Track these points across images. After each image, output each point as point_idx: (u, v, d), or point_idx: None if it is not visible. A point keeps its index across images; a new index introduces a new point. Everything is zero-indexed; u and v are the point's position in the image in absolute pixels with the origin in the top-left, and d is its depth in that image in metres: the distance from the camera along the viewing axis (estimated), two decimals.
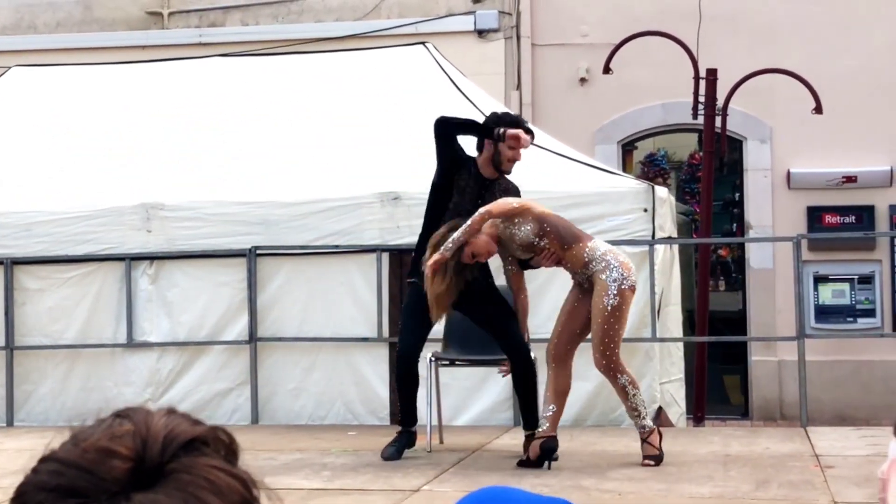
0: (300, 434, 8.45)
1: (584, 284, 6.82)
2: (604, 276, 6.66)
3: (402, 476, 6.62)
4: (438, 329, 7.92)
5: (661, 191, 9.61)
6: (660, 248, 9.02)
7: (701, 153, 12.54)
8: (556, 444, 6.80)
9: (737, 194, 13.79)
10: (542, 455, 6.77)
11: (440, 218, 7.03)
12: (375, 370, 9.02)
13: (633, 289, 6.77)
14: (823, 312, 13.08)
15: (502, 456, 7.28)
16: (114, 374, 9.37)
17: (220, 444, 1.03)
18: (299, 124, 10.01)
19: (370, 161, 9.44)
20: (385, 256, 8.99)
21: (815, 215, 13.20)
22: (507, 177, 7.21)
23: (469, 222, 6.69)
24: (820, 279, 13.11)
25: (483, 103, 10.07)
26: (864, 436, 7.98)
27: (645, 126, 13.75)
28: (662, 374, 9.00)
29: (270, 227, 9.22)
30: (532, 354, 7.64)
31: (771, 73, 11.85)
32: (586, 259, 6.72)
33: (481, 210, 6.71)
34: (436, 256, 6.66)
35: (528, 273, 8.81)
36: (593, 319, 6.71)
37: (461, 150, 7.10)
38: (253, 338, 9.17)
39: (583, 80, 13.61)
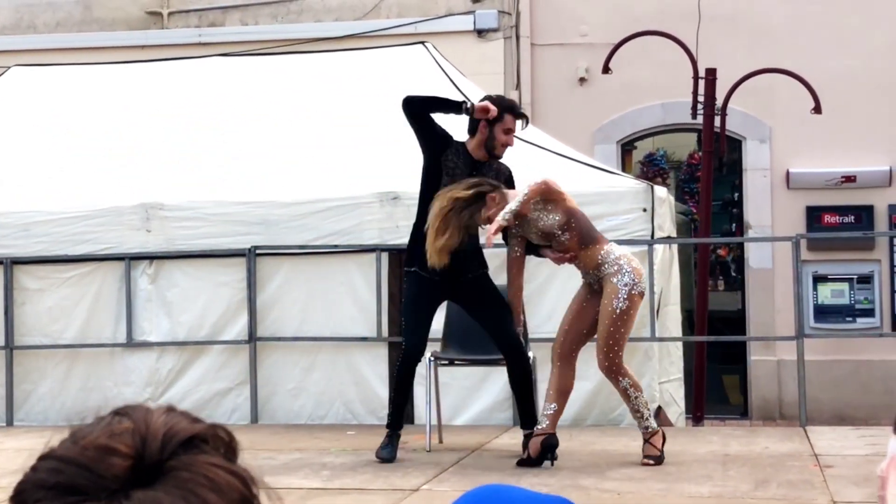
0: (299, 434, 8.45)
1: (594, 285, 6.83)
2: (615, 280, 6.68)
3: (402, 475, 6.62)
4: (438, 329, 7.93)
5: (661, 190, 9.62)
6: (659, 248, 9.02)
7: (700, 153, 12.55)
8: (557, 442, 6.82)
9: (736, 194, 13.79)
10: (542, 452, 6.78)
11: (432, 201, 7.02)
12: (375, 370, 9.02)
13: (641, 294, 6.81)
14: (822, 312, 13.08)
15: (502, 455, 7.28)
16: (113, 373, 9.37)
17: (220, 441, 1.03)
18: (299, 124, 10.01)
19: (369, 161, 9.44)
20: (384, 256, 8.99)
21: (814, 215, 13.20)
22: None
23: (527, 191, 6.65)
24: (819, 279, 13.11)
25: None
26: (864, 435, 7.98)
27: (644, 126, 13.75)
28: (661, 374, 9.01)
29: (270, 227, 9.22)
30: (531, 354, 7.65)
31: (770, 72, 11.86)
32: (600, 261, 6.74)
33: (539, 180, 6.69)
34: (497, 223, 6.55)
35: (528, 273, 8.82)
36: (601, 321, 6.72)
37: (440, 128, 7.06)
38: (252, 337, 9.17)
39: (582, 79, 13.62)
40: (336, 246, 9.12)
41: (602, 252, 6.75)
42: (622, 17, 13.09)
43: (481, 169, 7.07)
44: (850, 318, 13.13)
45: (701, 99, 11.52)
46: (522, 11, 13.77)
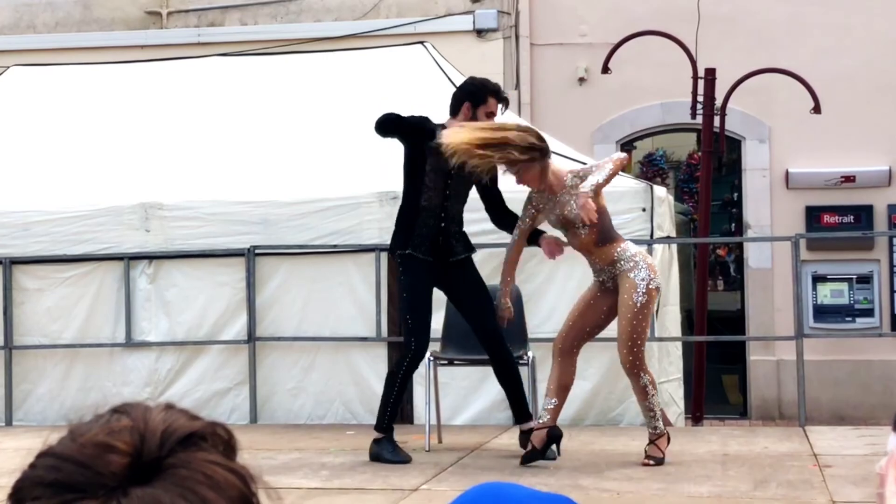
0: (299, 433, 8.45)
1: (608, 283, 6.82)
2: (632, 275, 6.71)
3: (401, 475, 6.62)
4: (437, 328, 7.93)
5: (660, 190, 9.62)
6: (658, 248, 9.02)
7: (699, 153, 12.55)
8: (561, 433, 6.85)
9: (735, 194, 13.79)
10: (548, 442, 6.79)
11: (421, 183, 7.00)
12: (374, 370, 9.01)
13: (657, 289, 6.88)
14: (822, 312, 13.08)
15: (501, 455, 7.28)
16: (112, 373, 9.37)
17: (219, 439, 1.03)
18: (298, 124, 10.00)
19: (369, 161, 9.43)
20: (384, 256, 8.98)
21: (813, 215, 13.20)
22: None
23: (612, 166, 6.63)
24: (818, 279, 13.11)
25: None
26: (863, 435, 7.98)
27: (643, 126, 13.75)
28: (661, 374, 9.00)
29: (269, 227, 9.22)
30: (531, 353, 7.65)
31: (769, 72, 11.86)
32: (615, 258, 6.75)
33: (623, 155, 6.71)
34: (585, 197, 6.48)
35: (527, 273, 8.82)
36: (621, 316, 6.73)
37: (421, 126, 7.02)
38: (252, 337, 9.17)
39: (581, 79, 13.61)
40: (335, 246, 9.12)
41: (618, 249, 6.77)
42: (621, 17, 13.09)
43: None
44: (849, 318, 13.13)
45: (700, 99, 11.52)
46: (522, 11, 13.77)
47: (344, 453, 7.45)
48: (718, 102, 11.58)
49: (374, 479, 6.59)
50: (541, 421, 6.87)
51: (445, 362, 7.84)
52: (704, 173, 11.57)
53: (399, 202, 8.90)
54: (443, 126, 7.09)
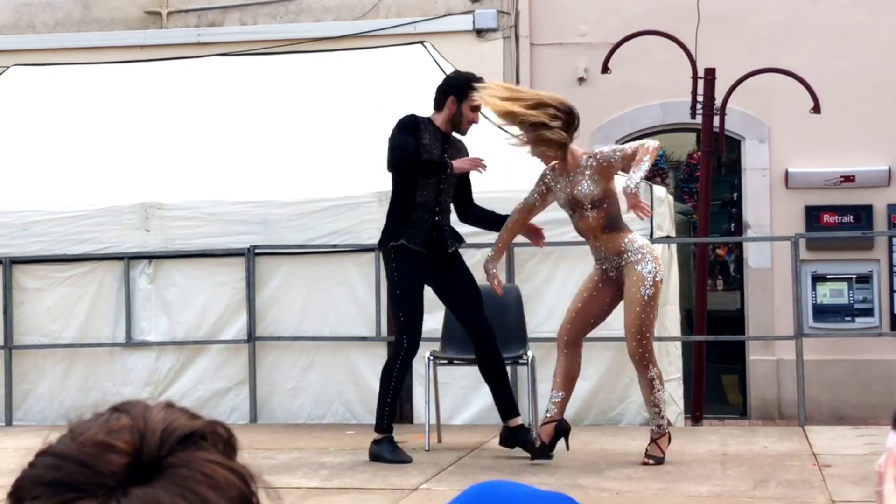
0: (298, 433, 8.45)
1: (611, 272, 6.83)
2: (639, 268, 6.72)
3: (401, 475, 6.62)
4: (437, 328, 7.93)
5: (660, 190, 9.62)
6: (658, 248, 9.00)
7: (699, 153, 12.55)
8: (569, 427, 6.86)
9: (735, 194, 13.79)
10: (556, 436, 6.80)
11: (416, 178, 7.01)
12: (374, 369, 8.99)
13: (661, 281, 6.90)
14: (821, 312, 13.08)
15: (501, 454, 7.28)
16: (112, 373, 9.37)
17: (219, 438, 1.03)
18: (298, 124, 10.00)
19: (368, 160, 9.42)
20: None
21: (813, 215, 13.20)
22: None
23: (649, 161, 6.68)
24: (818, 278, 13.11)
25: None
26: (862, 435, 7.98)
27: (643, 125, 13.74)
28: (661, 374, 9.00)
29: (269, 227, 9.22)
30: (530, 353, 7.65)
31: (769, 72, 11.86)
32: (623, 249, 6.76)
33: (653, 146, 6.73)
34: (633, 192, 6.57)
35: (526, 273, 8.82)
36: (629, 309, 6.73)
37: (414, 133, 7.04)
38: (251, 337, 9.17)
39: (581, 79, 13.61)
40: (335, 245, 9.12)
41: (626, 240, 6.78)
42: (621, 16, 13.09)
43: (450, 142, 7.14)
44: (848, 318, 13.13)
45: (700, 99, 11.53)
46: (521, 11, 13.77)
47: (343, 453, 7.45)
48: (718, 102, 11.58)
49: (373, 478, 6.59)
50: (548, 415, 6.87)
51: (445, 362, 7.84)
52: (704, 173, 11.57)
53: None
54: (430, 120, 7.11)
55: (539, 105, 6.70)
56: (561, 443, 6.91)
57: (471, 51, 13.33)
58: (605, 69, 11.77)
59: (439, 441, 7.71)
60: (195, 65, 11.15)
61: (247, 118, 10.16)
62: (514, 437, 7.15)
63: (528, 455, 6.94)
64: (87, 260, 9.43)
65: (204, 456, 0.99)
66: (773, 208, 13.36)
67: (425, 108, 7.33)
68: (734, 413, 13.31)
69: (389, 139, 7.12)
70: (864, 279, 13.16)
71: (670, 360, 9.48)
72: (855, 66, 13.07)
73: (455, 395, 8.76)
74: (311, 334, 9.13)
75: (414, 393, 8.72)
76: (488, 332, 7.14)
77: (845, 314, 13.13)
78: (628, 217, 6.97)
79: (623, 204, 6.83)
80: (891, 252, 13.19)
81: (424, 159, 7.05)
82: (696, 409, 10.89)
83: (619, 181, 6.91)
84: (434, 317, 8.04)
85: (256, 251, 9.17)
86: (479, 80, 7.27)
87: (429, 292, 8.24)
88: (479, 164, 7.02)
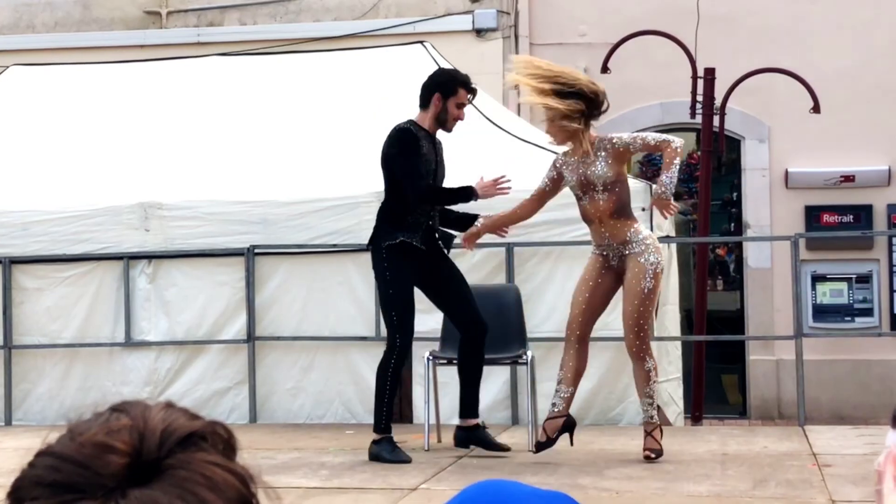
0: (298, 433, 8.45)
1: (612, 260, 6.84)
2: (642, 259, 6.74)
3: (400, 475, 6.62)
4: (437, 328, 7.93)
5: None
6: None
7: (699, 152, 12.55)
8: (576, 422, 6.89)
9: (735, 193, 13.79)
10: (562, 431, 6.81)
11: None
12: (373, 369, 8.95)
13: (662, 272, 6.94)
14: (821, 311, 13.08)
15: (500, 454, 7.27)
16: (112, 373, 9.37)
17: (219, 438, 1.02)
18: (297, 124, 10.00)
19: (368, 160, 9.42)
20: None
21: (812, 214, 13.20)
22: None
23: (677, 163, 6.78)
24: (818, 278, 13.11)
25: (481, 102, 10.06)
26: (862, 434, 7.98)
27: (643, 125, 13.71)
28: (660, 374, 8.98)
29: (268, 227, 9.22)
30: (529, 353, 7.65)
31: (769, 72, 11.86)
32: (628, 238, 6.78)
33: (677, 146, 6.77)
34: (663, 199, 6.75)
35: (526, 273, 8.82)
36: (628, 301, 6.74)
37: (416, 150, 7.06)
38: (251, 337, 9.17)
39: None
40: (335, 245, 9.12)
41: (632, 230, 6.80)
42: (621, 16, 13.09)
43: (437, 143, 7.17)
44: (848, 318, 13.13)
45: (700, 98, 11.52)
46: (521, 11, 13.77)
47: (343, 453, 7.45)
48: (718, 102, 11.58)
49: (373, 478, 6.58)
50: (555, 409, 6.87)
51: (444, 361, 7.83)
52: (704, 173, 11.57)
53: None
54: (417, 125, 7.09)
55: (562, 92, 6.73)
56: (563, 439, 6.91)
57: (470, 51, 13.33)
58: (604, 69, 11.77)
59: (439, 441, 7.71)
60: (194, 65, 11.15)
61: (246, 118, 10.16)
62: (469, 436, 7.19)
63: (529, 454, 6.94)
64: (87, 260, 9.43)
65: (203, 457, 0.99)
66: (773, 208, 13.35)
67: None
68: (734, 413, 13.31)
69: (392, 161, 7.03)
70: (864, 279, 13.16)
71: (670, 360, 9.48)
72: (855, 65, 13.07)
73: (455, 394, 8.71)
74: (311, 334, 9.13)
75: (413, 393, 8.72)
76: (483, 332, 7.15)
77: (845, 314, 13.13)
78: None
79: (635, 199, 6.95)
80: (891, 252, 13.19)
81: (449, 191, 7.08)
82: (696, 409, 10.89)
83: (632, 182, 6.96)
84: (434, 317, 8.03)
85: (256, 251, 9.17)
86: (465, 77, 7.29)
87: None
88: (501, 185, 7.01)
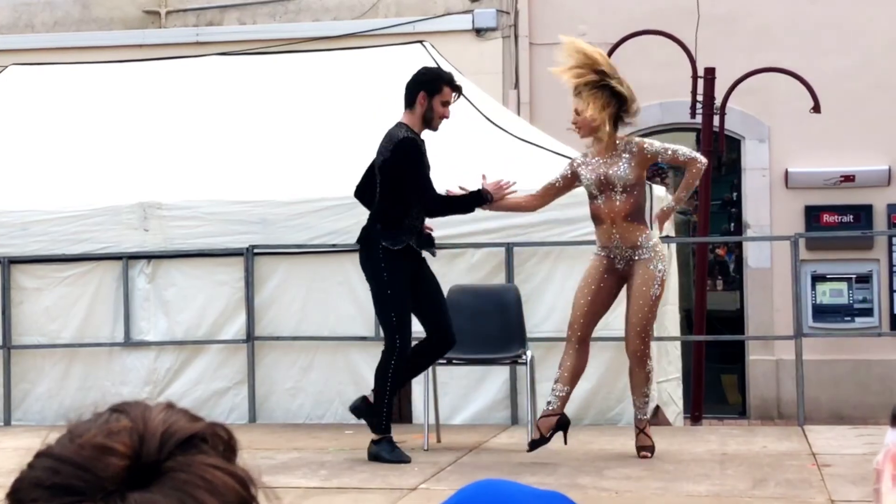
0: (298, 433, 8.44)
1: (619, 263, 6.85)
2: (651, 266, 6.79)
3: (400, 475, 6.62)
4: None
5: (659, 190, 9.62)
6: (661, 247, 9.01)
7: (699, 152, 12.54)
8: (570, 421, 6.91)
9: (735, 193, 13.79)
10: (556, 429, 6.82)
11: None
12: (373, 369, 8.99)
13: (665, 280, 7.02)
14: (821, 311, 13.08)
15: (500, 454, 7.28)
16: (111, 373, 9.37)
17: (219, 440, 1.02)
18: (297, 123, 10.00)
19: (368, 160, 9.42)
20: None
21: (812, 214, 13.20)
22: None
23: (697, 183, 6.95)
24: (818, 278, 13.11)
25: (481, 102, 10.07)
26: (862, 434, 7.98)
27: (643, 125, 13.67)
28: (660, 374, 9.00)
29: (268, 226, 9.21)
30: (529, 353, 7.64)
31: (769, 72, 11.86)
32: (639, 243, 6.82)
33: (701, 166, 6.91)
34: (666, 213, 6.94)
35: (526, 273, 8.82)
36: (636, 306, 6.78)
37: (423, 155, 7.07)
38: (250, 337, 9.16)
39: None
40: (334, 245, 9.11)
41: (643, 236, 6.84)
42: (621, 16, 13.09)
43: (423, 141, 7.16)
44: (848, 318, 13.13)
45: (700, 98, 11.53)
46: (521, 10, 13.77)
47: (343, 453, 7.45)
48: (718, 102, 11.58)
49: (372, 478, 6.58)
50: (550, 408, 6.88)
51: (444, 361, 7.83)
52: (704, 173, 11.56)
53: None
54: (407, 127, 7.08)
55: (599, 84, 6.76)
56: (557, 437, 6.92)
57: (470, 50, 13.33)
58: None
59: (438, 441, 7.71)
60: (194, 64, 11.14)
61: (245, 118, 10.16)
62: (358, 408, 7.17)
63: (528, 454, 6.94)
64: (86, 260, 9.42)
65: (203, 460, 0.98)
66: (773, 208, 13.36)
67: None
68: (733, 413, 13.31)
69: (403, 174, 7.00)
70: (864, 279, 13.16)
71: (670, 360, 9.48)
72: (855, 65, 13.07)
73: (454, 394, 8.76)
74: (310, 334, 9.12)
75: (413, 392, 8.71)
76: (449, 345, 7.17)
77: (845, 314, 13.13)
78: None
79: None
80: (890, 252, 13.19)
81: (465, 200, 7.10)
82: (696, 409, 10.89)
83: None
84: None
85: (255, 251, 9.17)
86: (449, 75, 7.29)
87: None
88: (507, 186, 7.08)
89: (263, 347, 9.21)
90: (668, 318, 9.51)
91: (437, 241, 8.57)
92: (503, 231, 8.74)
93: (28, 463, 0.99)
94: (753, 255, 13.37)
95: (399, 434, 7.26)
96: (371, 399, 7.11)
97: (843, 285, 13.16)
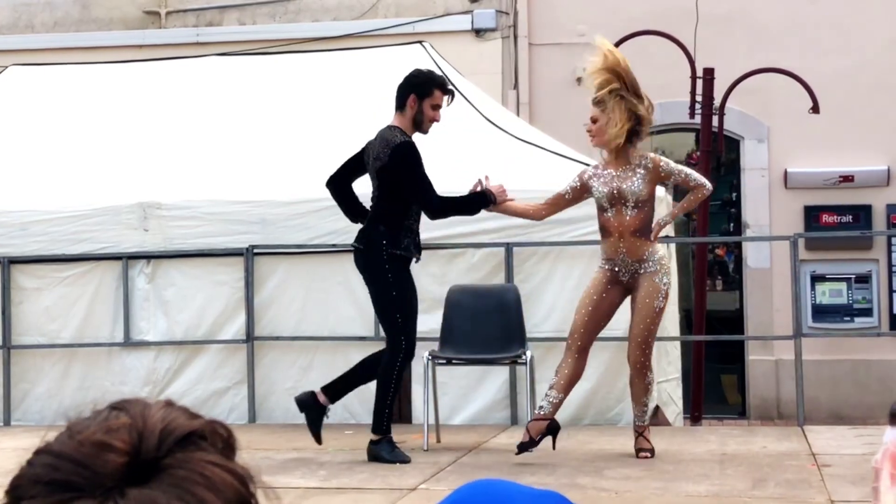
0: (297, 433, 8.43)
1: (623, 276, 6.87)
2: (656, 279, 6.84)
3: (399, 475, 6.62)
4: (435, 328, 7.93)
5: (659, 190, 9.61)
6: (661, 248, 9.01)
7: (698, 152, 12.55)
8: (560, 426, 6.92)
9: (734, 194, 13.80)
10: (545, 434, 6.82)
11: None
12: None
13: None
14: (820, 311, 13.09)
15: (499, 454, 7.28)
16: (111, 373, 9.37)
17: (218, 438, 1.02)
18: (296, 124, 10.00)
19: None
20: None
21: (812, 214, 13.20)
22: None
23: (696, 205, 7.01)
24: (817, 278, 13.11)
25: (480, 102, 10.07)
26: (861, 434, 7.98)
27: None
28: (659, 374, 9.00)
29: (268, 226, 9.22)
30: (528, 353, 7.65)
31: (768, 72, 11.87)
32: (645, 257, 6.86)
33: (706, 191, 6.97)
34: (658, 228, 6.91)
35: (525, 273, 8.82)
36: (640, 318, 6.82)
37: (419, 161, 7.07)
38: (250, 337, 9.17)
39: (580, 79, 13.60)
40: (334, 245, 9.11)
41: (650, 250, 6.87)
42: (620, 16, 13.09)
43: None
44: (847, 318, 13.13)
45: (699, 98, 11.53)
46: (520, 11, 13.77)
47: (342, 453, 7.45)
48: (717, 102, 11.58)
49: (372, 478, 6.58)
50: (541, 412, 6.89)
51: (444, 361, 7.84)
52: (703, 173, 11.56)
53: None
54: (401, 130, 7.08)
55: (624, 97, 6.77)
56: (546, 441, 6.92)
57: (469, 51, 13.34)
58: None
59: (438, 441, 7.71)
60: (193, 65, 11.14)
61: (245, 118, 10.16)
62: (311, 403, 7.21)
63: (529, 454, 6.95)
64: (86, 260, 9.42)
65: (202, 457, 0.98)
66: (772, 208, 13.36)
67: None
68: (733, 413, 13.31)
69: (404, 177, 7.00)
70: (863, 279, 13.16)
71: (669, 360, 9.48)
72: (854, 65, 13.07)
73: (454, 394, 8.76)
74: (310, 334, 9.13)
75: (413, 392, 8.71)
76: (411, 356, 7.19)
77: (844, 314, 13.13)
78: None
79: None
80: (890, 252, 13.19)
81: (468, 201, 7.12)
82: (696, 409, 10.89)
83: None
84: (434, 317, 8.04)
85: (255, 251, 9.17)
86: (441, 78, 7.28)
87: (429, 293, 8.25)
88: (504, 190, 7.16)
89: (263, 347, 9.21)
90: (668, 319, 9.49)
91: (436, 242, 8.62)
92: (503, 231, 8.74)
93: (27, 460, 1.00)
94: (753, 255, 13.37)
95: (399, 434, 7.26)
96: (321, 398, 7.14)
97: (843, 285, 13.17)
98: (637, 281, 6.84)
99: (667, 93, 13.09)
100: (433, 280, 8.69)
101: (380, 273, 7.06)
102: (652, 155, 7.07)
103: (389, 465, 6.89)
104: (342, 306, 9.09)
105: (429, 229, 7.92)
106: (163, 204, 9.35)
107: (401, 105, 7.11)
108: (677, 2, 13.15)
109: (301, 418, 9.06)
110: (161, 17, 14.41)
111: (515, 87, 13.69)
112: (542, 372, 8.03)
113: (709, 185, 7.04)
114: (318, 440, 7.20)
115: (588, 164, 9.61)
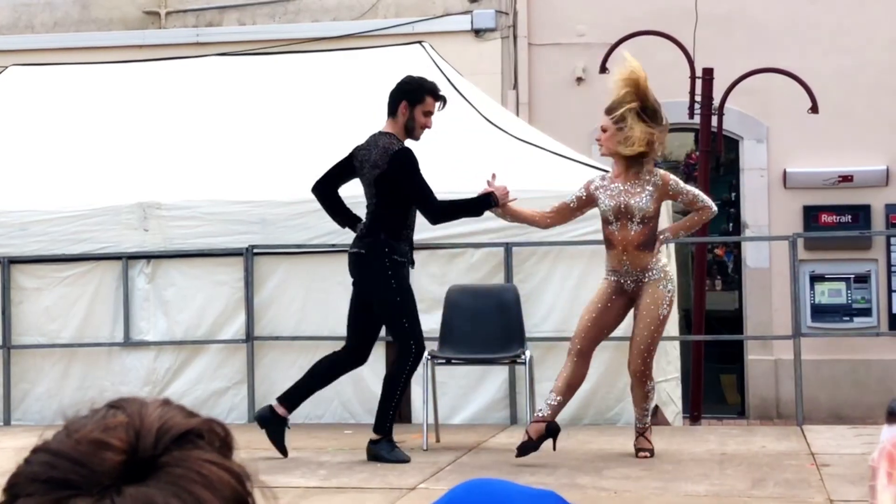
0: (297, 433, 8.42)
1: (627, 286, 6.89)
2: (661, 287, 6.87)
3: (399, 474, 6.62)
4: (435, 328, 7.93)
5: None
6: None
7: (697, 152, 12.56)
8: (560, 428, 6.91)
9: (733, 194, 13.80)
10: (545, 436, 6.82)
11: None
12: (372, 369, 8.98)
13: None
14: (819, 311, 13.09)
15: (499, 454, 7.28)
16: (111, 373, 9.37)
17: (215, 436, 1.02)
18: (296, 124, 10.00)
19: None
20: None
21: (811, 214, 13.21)
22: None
23: (696, 224, 7.09)
24: (816, 278, 13.12)
25: (480, 103, 10.08)
26: (860, 434, 7.98)
27: None
28: (659, 374, 8.99)
29: (267, 226, 9.22)
30: (528, 353, 7.65)
31: (767, 72, 11.87)
32: (648, 266, 6.87)
33: (710, 214, 7.05)
34: (661, 242, 6.93)
35: (525, 273, 8.82)
36: (643, 325, 6.84)
37: (418, 168, 7.07)
38: (250, 337, 9.17)
39: (579, 79, 13.61)
40: (334, 245, 9.11)
41: (653, 259, 6.90)
42: (619, 16, 13.09)
43: None
44: (847, 318, 13.14)
45: (698, 99, 11.53)
46: (520, 11, 13.77)
47: (342, 452, 7.46)
48: (716, 102, 11.58)
49: (372, 478, 6.59)
50: (540, 414, 6.90)
51: (443, 361, 7.84)
52: (702, 173, 11.58)
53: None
54: (391, 134, 7.08)
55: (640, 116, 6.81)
56: (546, 442, 6.92)
57: (469, 51, 13.34)
58: (603, 69, 11.77)
59: (437, 441, 7.72)
60: (193, 65, 11.15)
61: (245, 118, 10.16)
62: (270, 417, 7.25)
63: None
64: (86, 260, 9.43)
65: (199, 455, 0.99)
66: (772, 208, 13.36)
67: None
68: (732, 413, 13.31)
69: (403, 184, 7.00)
70: (863, 279, 13.17)
71: (669, 360, 9.48)
72: (853, 65, 13.07)
73: (453, 394, 8.77)
74: (310, 334, 9.13)
75: (412, 392, 8.72)
76: (363, 363, 7.27)
77: (843, 314, 13.14)
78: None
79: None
80: (889, 252, 13.20)
81: (470, 204, 7.12)
82: (695, 409, 10.90)
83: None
84: (433, 317, 8.05)
85: (255, 251, 9.17)
86: (433, 84, 7.26)
87: (429, 293, 8.25)
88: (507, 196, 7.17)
89: (263, 347, 9.21)
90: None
91: (436, 242, 8.64)
92: (502, 231, 8.74)
93: (25, 458, 1.00)
94: (752, 255, 13.38)
95: (398, 434, 7.27)
96: (280, 410, 7.15)
97: (842, 285, 13.17)
98: (641, 289, 6.87)
99: (666, 93, 13.04)
100: (433, 280, 8.70)
101: (383, 281, 7.03)
102: (662, 172, 7.06)
103: (389, 465, 6.89)
104: (342, 306, 9.04)
105: (429, 229, 7.93)
106: (163, 204, 9.36)
107: (392, 111, 7.11)
108: (677, 2, 13.15)
109: (300, 418, 9.08)
110: (161, 17, 14.41)
111: (515, 87, 13.70)
112: (542, 372, 8.03)
113: (715, 207, 7.11)
114: (284, 453, 7.16)
115: (587, 165, 9.64)
